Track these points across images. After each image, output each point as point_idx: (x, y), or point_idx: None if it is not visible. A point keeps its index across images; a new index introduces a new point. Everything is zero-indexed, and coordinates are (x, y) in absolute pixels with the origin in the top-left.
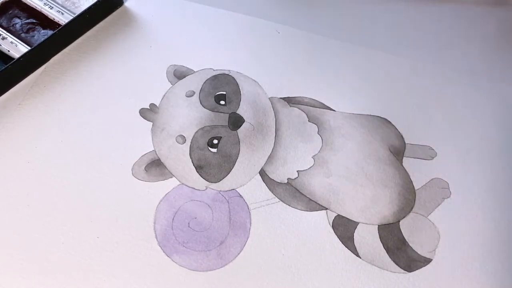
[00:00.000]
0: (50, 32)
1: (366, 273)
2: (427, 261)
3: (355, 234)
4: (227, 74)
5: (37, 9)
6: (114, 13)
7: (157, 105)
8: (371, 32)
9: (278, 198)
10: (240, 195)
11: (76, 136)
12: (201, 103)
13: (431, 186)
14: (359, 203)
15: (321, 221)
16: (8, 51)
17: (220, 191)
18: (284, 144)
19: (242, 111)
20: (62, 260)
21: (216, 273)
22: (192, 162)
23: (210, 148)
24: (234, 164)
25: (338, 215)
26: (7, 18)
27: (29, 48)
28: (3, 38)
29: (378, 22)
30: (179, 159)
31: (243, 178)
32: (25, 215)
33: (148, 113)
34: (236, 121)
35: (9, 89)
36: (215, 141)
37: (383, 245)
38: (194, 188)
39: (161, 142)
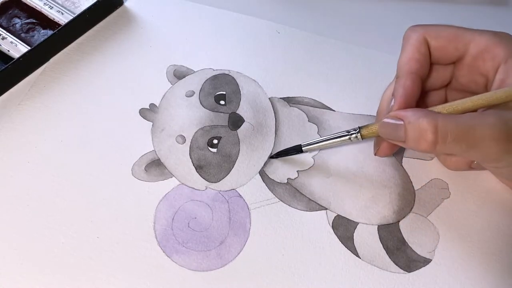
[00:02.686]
0: (50, 32)
1: (365, 273)
2: (426, 261)
3: (354, 234)
4: (227, 74)
5: (37, 9)
6: (114, 13)
7: (157, 105)
8: (371, 32)
9: (278, 198)
10: (240, 195)
11: (76, 136)
12: (201, 103)
13: (431, 186)
14: (358, 203)
15: (321, 221)
16: (8, 51)
17: (220, 191)
18: (284, 144)
19: (242, 111)
20: (62, 260)
21: (216, 273)
22: (192, 162)
23: (210, 148)
24: (234, 164)
25: (338, 215)
26: (7, 18)
27: (29, 48)
28: (3, 38)
29: (378, 22)
30: (179, 159)
31: (243, 178)
32: (25, 215)
33: (148, 113)
34: (236, 121)
35: (9, 89)
36: (215, 141)
37: (382, 245)
38: (194, 188)
39: (161, 142)
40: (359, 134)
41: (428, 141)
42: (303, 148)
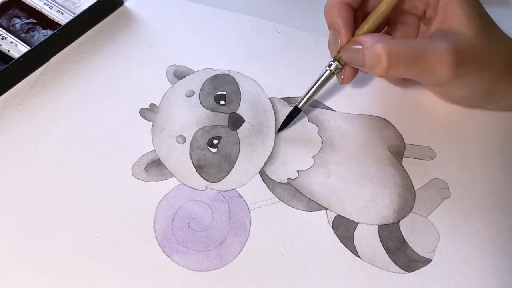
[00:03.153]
0: (50, 32)
1: (365, 273)
2: (426, 261)
3: (355, 234)
4: (227, 74)
5: (37, 9)
6: (114, 13)
7: (157, 105)
8: None
9: (278, 198)
10: (240, 195)
11: (76, 136)
12: (201, 103)
13: (431, 186)
14: (359, 203)
15: (321, 221)
16: (8, 51)
17: (220, 191)
18: (284, 144)
19: (242, 111)
20: (62, 260)
21: (216, 273)
22: (192, 162)
23: (210, 148)
24: (234, 164)
25: (338, 215)
26: (7, 18)
27: (29, 48)
28: (3, 38)
29: None
30: (179, 159)
31: (243, 178)
32: (25, 215)
33: (148, 113)
34: (236, 121)
35: (9, 89)
36: (215, 141)
37: (383, 245)
38: (194, 188)
39: (161, 142)
40: (336, 62)
41: (382, 66)
42: (299, 106)
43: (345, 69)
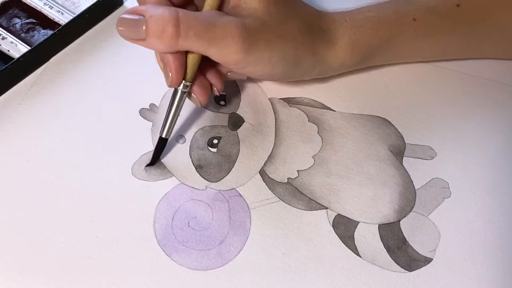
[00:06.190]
0: (50, 32)
1: (366, 272)
2: (427, 260)
3: (355, 234)
4: None
5: (37, 9)
6: (114, 13)
7: (157, 105)
8: None
9: (278, 198)
10: (240, 195)
11: (76, 136)
12: None
13: (431, 185)
14: (359, 202)
15: (321, 220)
16: (8, 51)
17: (220, 190)
18: (284, 144)
19: (242, 111)
20: (62, 260)
21: (216, 272)
22: (192, 162)
23: (210, 148)
24: (234, 164)
25: (339, 214)
26: (7, 18)
27: (29, 48)
28: (3, 38)
29: None
30: (179, 159)
31: (243, 178)
32: (25, 215)
33: (148, 113)
34: (236, 121)
35: (9, 89)
36: (215, 141)
37: (383, 244)
38: (194, 188)
39: None
40: (184, 82)
41: (170, 33)
42: (163, 136)
43: (193, 87)
